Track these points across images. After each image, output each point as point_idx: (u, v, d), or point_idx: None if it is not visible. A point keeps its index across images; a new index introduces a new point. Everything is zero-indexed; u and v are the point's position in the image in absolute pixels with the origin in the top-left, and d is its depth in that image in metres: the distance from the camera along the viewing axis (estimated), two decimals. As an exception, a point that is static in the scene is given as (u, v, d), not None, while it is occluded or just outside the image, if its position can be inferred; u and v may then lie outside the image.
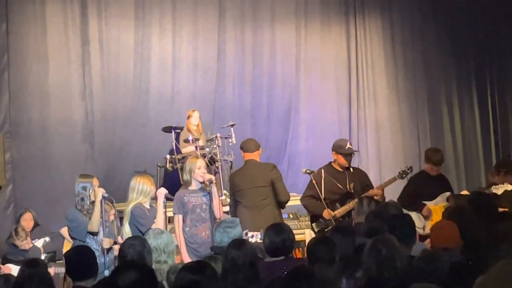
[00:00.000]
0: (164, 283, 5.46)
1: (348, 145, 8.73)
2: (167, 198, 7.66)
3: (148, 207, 7.63)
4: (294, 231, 10.10)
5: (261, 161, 8.93)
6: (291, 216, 10.75)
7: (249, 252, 5.20)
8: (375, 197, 8.25)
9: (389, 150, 14.13)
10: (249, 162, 8.71)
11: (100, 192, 7.24)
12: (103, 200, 7.22)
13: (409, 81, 14.46)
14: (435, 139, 14.36)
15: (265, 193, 8.46)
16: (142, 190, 7.58)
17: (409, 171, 8.92)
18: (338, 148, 8.70)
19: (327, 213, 8.39)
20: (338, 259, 5.34)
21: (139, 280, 3.85)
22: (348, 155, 8.71)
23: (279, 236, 5.84)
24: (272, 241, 5.82)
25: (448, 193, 9.13)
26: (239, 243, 5.32)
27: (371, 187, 8.74)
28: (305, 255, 7.05)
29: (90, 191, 7.31)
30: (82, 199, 7.34)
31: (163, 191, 7.60)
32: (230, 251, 5.17)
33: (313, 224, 8.76)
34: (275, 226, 6.08)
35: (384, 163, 13.93)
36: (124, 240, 7.40)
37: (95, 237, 7.31)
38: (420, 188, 9.18)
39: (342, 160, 8.65)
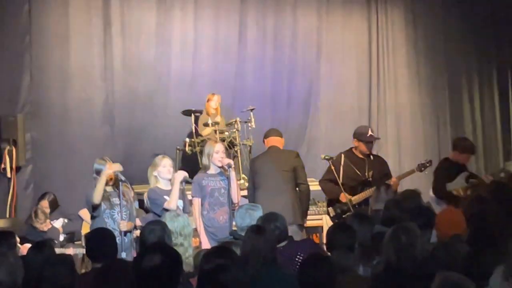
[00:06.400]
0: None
1: (370, 133, 8.75)
2: (187, 182, 7.63)
3: (169, 188, 7.54)
4: (312, 217, 10.30)
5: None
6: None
7: (269, 237, 5.23)
8: (390, 187, 8.35)
9: (408, 137, 14.06)
10: (272, 148, 8.72)
11: (115, 168, 7.24)
12: (120, 182, 7.19)
13: (430, 68, 14.37)
14: (454, 127, 14.30)
15: (286, 178, 8.45)
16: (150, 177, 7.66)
17: (428, 165, 8.87)
18: (359, 135, 8.70)
19: (344, 197, 8.42)
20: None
21: (163, 263, 3.87)
22: (370, 142, 8.72)
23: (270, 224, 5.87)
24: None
25: (466, 173, 8.96)
26: (259, 228, 5.36)
27: (390, 176, 8.76)
28: (324, 240, 7.08)
29: None
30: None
31: (182, 174, 7.56)
32: (250, 236, 5.20)
33: (329, 209, 8.79)
34: (265, 216, 6.11)
35: (403, 150, 13.86)
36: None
37: (114, 216, 7.31)
38: None
39: (363, 147, 8.66)
